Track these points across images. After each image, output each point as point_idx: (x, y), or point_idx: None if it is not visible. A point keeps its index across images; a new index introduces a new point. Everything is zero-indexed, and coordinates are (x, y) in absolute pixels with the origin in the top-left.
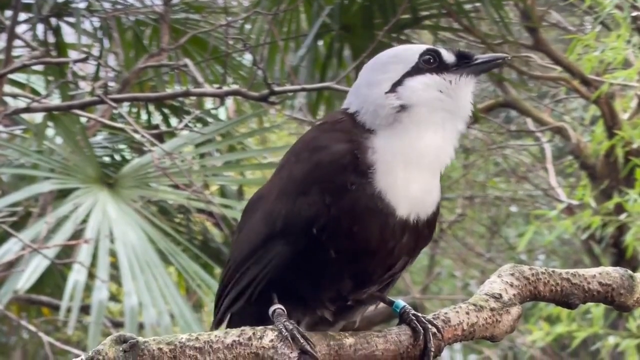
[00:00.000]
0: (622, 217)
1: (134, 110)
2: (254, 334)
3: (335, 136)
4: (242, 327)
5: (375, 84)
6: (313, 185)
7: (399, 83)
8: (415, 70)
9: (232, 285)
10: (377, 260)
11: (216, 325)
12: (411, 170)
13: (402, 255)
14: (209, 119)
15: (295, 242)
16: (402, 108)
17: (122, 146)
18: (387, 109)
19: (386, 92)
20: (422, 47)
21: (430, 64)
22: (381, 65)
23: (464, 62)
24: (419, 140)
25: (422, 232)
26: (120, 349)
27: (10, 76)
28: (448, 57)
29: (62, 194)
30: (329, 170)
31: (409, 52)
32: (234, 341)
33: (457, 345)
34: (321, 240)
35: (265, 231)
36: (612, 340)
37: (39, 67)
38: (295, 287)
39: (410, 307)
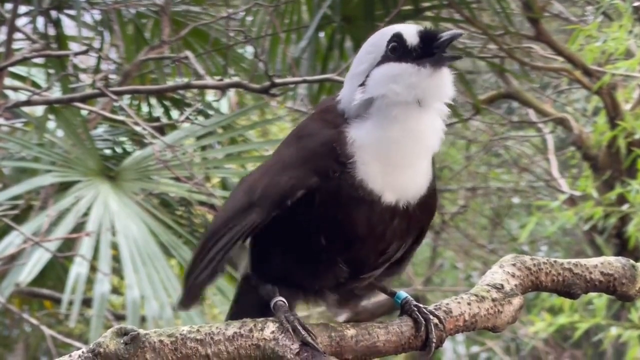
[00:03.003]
0: (625, 207)
1: (135, 102)
2: (255, 325)
3: (320, 125)
4: (243, 319)
5: (354, 76)
6: (298, 165)
7: (368, 75)
8: (383, 59)
9: (203, 255)
10: (368, 246)
11: (185, 302)
12: (390, 160)
13: (395, 239)
14: (210, 112)
15: (267, 211)
16: (368, 101)
17: (123, 139)
18: (356, 102)
19: (359, 85)
20: (389, 33)
21: (395, 51)
22: (362, 55)
23: (428, 44)
24: (389, 130)
25: (414, 215)
26: (121, 341)
27: (11, 69)
28: (412, 40)
29: (64, 187)
30: (314, 156)
31: (381, 39)
32: (235, 333)
33: (460, 337)
34: (295, 217)
35: (243, 201)
36: (614, 331)
37: (40, 60)
38: (293, 277)
39: (411, 298)
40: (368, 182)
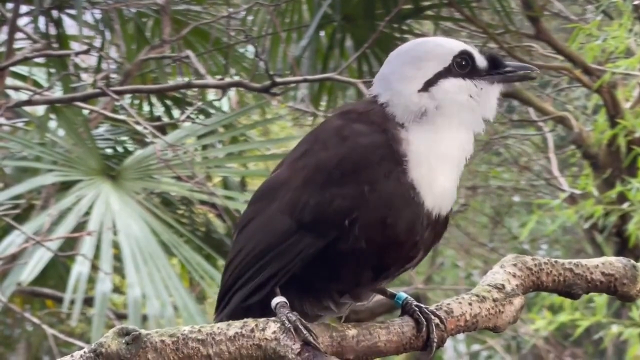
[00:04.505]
0: (625, 206)
1: (136, 102)
2: (256, 325)
3: (368, 125)
4: (245, 319)
5: (408, 80)
6: (348, 174)
7: (431, 83)
8: (448, 72)
9: (247, 279)
10: (401, 252)
11: (224, 319)
12: (437, 166)
13: (421, 250)
14: (211, 111)
15: (326, 235)
16: (435, 107)
17: (124, 138)
18: (418, 107)
19: (419, 90)
20: (457, 48)
21: (463, 67)
22: (415, 60)
23: (494, 69)
24: (445, 138)
25: (439, 229)
26: (123, 341)
27: (13, 69)
28: (480, 62)
29: (65, 186)
30: (366, 158)
31: (443, 50)
32: (237, 333)
33: (461, 336)
34: (352, 232)
35: (289, 222)
36: (615, 329)
37: (41, 60)
38: (310, 279)
39: (412, 299)
40: (418, 183)
